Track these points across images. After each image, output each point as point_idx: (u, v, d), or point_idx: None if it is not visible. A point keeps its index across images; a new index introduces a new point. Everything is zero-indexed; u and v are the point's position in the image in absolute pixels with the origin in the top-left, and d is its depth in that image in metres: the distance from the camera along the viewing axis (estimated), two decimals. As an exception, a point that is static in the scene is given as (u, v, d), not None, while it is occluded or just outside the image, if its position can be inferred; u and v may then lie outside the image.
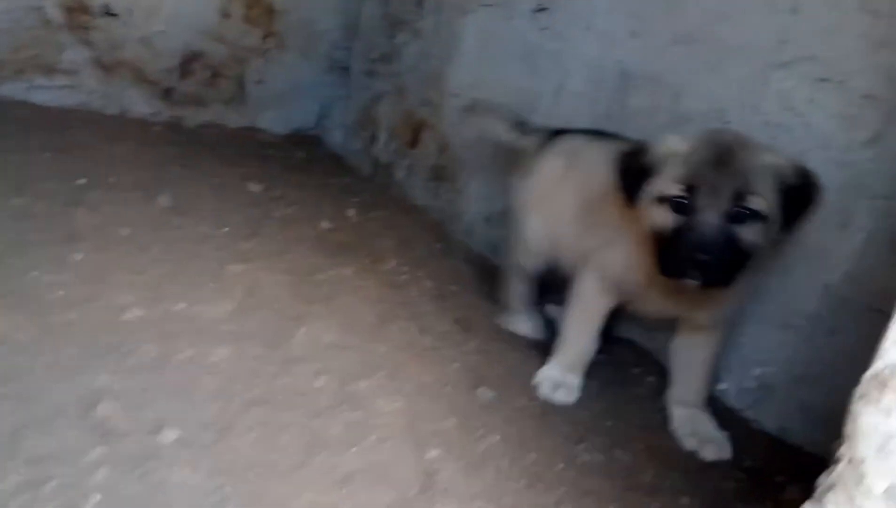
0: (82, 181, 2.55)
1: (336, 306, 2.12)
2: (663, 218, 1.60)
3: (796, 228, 1.60)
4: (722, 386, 2.10)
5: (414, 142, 3.32)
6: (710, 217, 1.52)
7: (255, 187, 3.01)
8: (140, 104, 3.46)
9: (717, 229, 1.51)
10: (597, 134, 2.15)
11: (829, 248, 1.86)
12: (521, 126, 2.34)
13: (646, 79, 2.29)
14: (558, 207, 2.11)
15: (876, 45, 1.75)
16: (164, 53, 3.43)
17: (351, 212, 2.98)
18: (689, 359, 1.93)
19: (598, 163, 1.91)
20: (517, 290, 2.31)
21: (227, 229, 2.49)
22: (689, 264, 1.53)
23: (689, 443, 1.85)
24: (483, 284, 2.55)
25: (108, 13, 3.24)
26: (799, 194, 1.56)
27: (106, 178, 2.64)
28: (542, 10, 2.65)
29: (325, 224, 2.82)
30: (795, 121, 1.91)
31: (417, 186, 3.29)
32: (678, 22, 2.18)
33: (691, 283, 1.57)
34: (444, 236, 3.00)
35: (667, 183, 1.59)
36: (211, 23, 3.48)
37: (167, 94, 3.51)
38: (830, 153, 1.84)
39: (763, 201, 1.52)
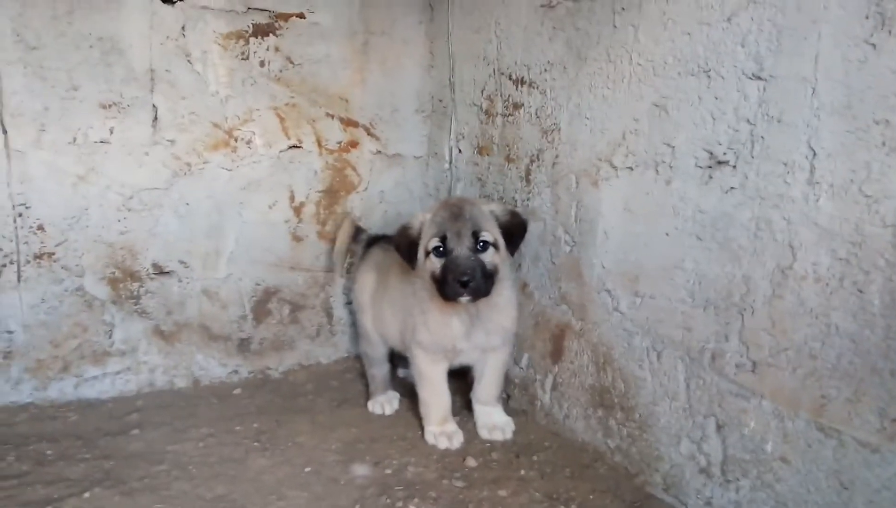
0: (127, 540, 1.84)
1: None
2: (433, 264, 2.18)
3: (516, 249, 2.27)
4: None
5: (557, 354, 2.46)
6: (461, 253, 2.13)
7: (360, 470, 2.21)
8: (214, 367, 2.84)
9: (467, 260, 2.11)
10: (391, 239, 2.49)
11: None
12: (358, 233, 2.84)
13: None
14: (378, 310, 2.57)
15: None
16: (232, 301, 2.83)
17: (499, 491, 2.10)
18: (485, 371, 2.42)
19: (391, 267, 2.51)
20: (376, 378, 2.67)
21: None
22: (458, 287, 2.09)
23: (483, 433, 2.42)
24: None
25: (161, 272, 2.70)
26: (511, 227, 2.23)
27: (159, 523, 1.91)
28: (720, 163, 1.81)
29: (466, 519, 1.95)
30: None
31: (574, 415, 2.39)
32: None
33: (464, 299, 2.13)
34: (636, 501, 2.04)
35: (427, 240, 2.18)
36: (283, 252, 2.88)
37: (243, 346, 2.88)
38: None
39: (490, 234, 2.17)
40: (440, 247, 2.15)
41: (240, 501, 2.04)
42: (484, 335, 2.32)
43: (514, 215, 2.27)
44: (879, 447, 1.49)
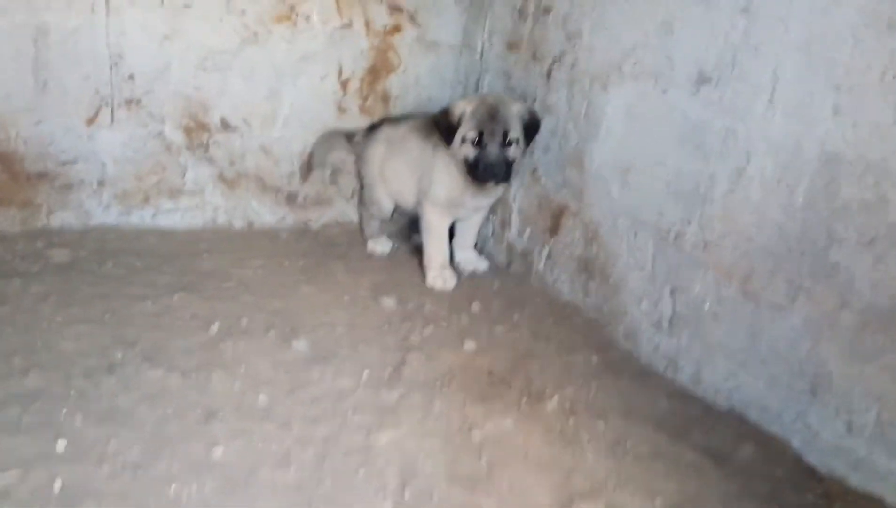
0: (214, 329, 2.41)
1: (503, 486, 1.79)
2: (468, 151, 2.69)
3: (531, 142, 2.79)
4: None
5: (554, 229, 2.96)
6: (493, 148, 2.65)
7: (388, 302, 2.77)
8: (265, 214, 3.35)
9: (497, 154, 2.65)
10: (396, 120, 3.18)
11: None
12: (351, 137, 3.27)
13: (864, 165, 1.81)
14: (391, 174, 3.10)
15: None
16: (283, 158, 3.30)
17: (496, 327, 2.66)
18: (469, 225, 3.13)
19: (404, 137, 3.05)
20: (374, 226, 3.28)
21: (367, 372, 2.25)
22: (488, 175, 2.66)
23: (465, 267, 3.13)
24: (666, 422, 2.14)
25: (227, 127, 3.15)
26: (530, 125, 2.73)
27: (238, 320, 2.48)
28: (705, 81, 2.22)
29: (469, 344, 2.52)
30: None
31: (562, 279, 2.92)
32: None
33: (491, 184, 2.73)
34: (601, 344, 2.60)
35: (466, 131, 2.67)
36: (328, 121, 3.32)
37: (291, 199, 3.38)
38: None
39: (515, 133, 2.68)
40: (477, 140, 2.65)
41: (296, 313, 2.60)
42: (485, 198, 2.93)
43: (532, 114, 2.75)
44: (784, 307, 2.02)
